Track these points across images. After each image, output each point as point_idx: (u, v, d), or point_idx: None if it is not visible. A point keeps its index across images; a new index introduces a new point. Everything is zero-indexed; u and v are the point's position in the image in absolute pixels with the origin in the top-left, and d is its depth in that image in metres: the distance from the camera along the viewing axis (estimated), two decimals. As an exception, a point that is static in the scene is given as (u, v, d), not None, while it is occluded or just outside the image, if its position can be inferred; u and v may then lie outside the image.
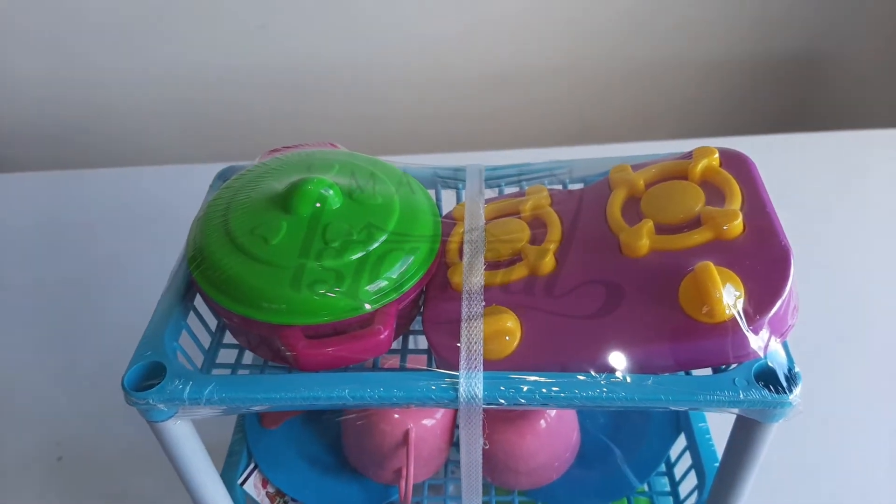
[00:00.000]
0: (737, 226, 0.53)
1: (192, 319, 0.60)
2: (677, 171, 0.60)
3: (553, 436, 0.71)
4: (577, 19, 1.55)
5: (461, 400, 0.51)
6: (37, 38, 1.49)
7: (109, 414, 1.05)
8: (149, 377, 0.52)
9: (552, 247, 0.58)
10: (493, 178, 0.69)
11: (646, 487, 0.74)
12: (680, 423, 0.74)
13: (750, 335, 0.49)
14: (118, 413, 1.04)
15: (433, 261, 0.59)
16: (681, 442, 0.74)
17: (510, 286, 0.57)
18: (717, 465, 0.68)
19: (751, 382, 0.50)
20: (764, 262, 0.51)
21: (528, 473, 0.71)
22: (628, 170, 0.62)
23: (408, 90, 1.62)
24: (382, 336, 0.53)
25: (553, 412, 0.70)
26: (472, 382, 0.51)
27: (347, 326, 0.54)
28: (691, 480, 0.71)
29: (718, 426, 0.71)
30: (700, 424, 0.72)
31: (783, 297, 0.50)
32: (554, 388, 0.50)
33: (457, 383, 0.51)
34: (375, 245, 0.56)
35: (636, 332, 0.52)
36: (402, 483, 0.70)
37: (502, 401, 0.51)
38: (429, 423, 0.70)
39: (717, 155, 0.59)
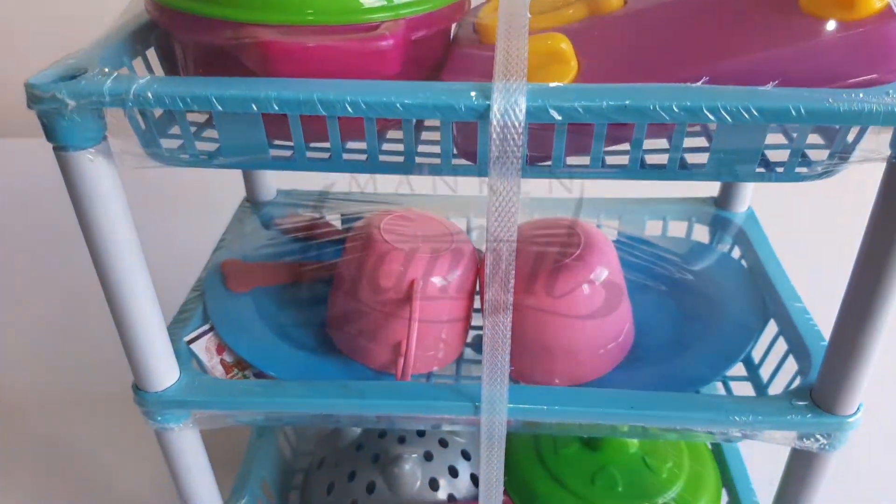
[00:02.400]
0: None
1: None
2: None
3: (598, 310, 0.54)
4: None
5: (495, 113, 0.35)
6: None
7: (54, 360, 0.90)
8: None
9: (619, -17, 0.44)
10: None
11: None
12: (767, 308, 0.56)
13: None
14: (64, 357, 0.91)
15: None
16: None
17: (564, 28, 0.43)
18: (824, 343, 0.50)
19: (915, 95, 0.34)
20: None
21: (566, 358, 0.54)
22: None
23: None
24: (386, 43, 0.38)
25: (600, 277, 0.53)
26: (511, 92, 0.36)
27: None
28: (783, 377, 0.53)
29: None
30: (796, 304, 0.55)
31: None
32: (629, 98, 0.35)
33: (489, 92, 0.36)
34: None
35: (739, 46, 0.37)
36: (401, 361, 0.53)
37: (556, 114, 0.35)
38: (439, 283, 0.54)
39: None
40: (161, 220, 1.12)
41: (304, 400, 0.48)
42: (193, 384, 0.49)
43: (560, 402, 0.47)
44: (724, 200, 0.66)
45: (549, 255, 0.54)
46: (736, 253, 0.64)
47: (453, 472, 0.64)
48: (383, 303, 0.53)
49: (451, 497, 0.63)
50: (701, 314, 0.59)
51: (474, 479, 0.64)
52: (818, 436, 0.46)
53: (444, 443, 0.66)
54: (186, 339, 0.52)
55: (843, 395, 0.45)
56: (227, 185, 0.77)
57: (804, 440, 0.46)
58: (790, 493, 0.50)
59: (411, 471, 0.62)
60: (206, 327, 0.54)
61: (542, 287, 0.53)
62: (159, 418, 0.48)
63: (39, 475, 0.76)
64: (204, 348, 0.53)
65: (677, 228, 0.68)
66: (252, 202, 0.69)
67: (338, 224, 0.68)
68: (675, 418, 0.46)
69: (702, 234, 0.67)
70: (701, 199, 0.68)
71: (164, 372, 0.48)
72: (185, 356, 0.51)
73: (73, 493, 0.74)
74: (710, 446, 0.68)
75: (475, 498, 0.55)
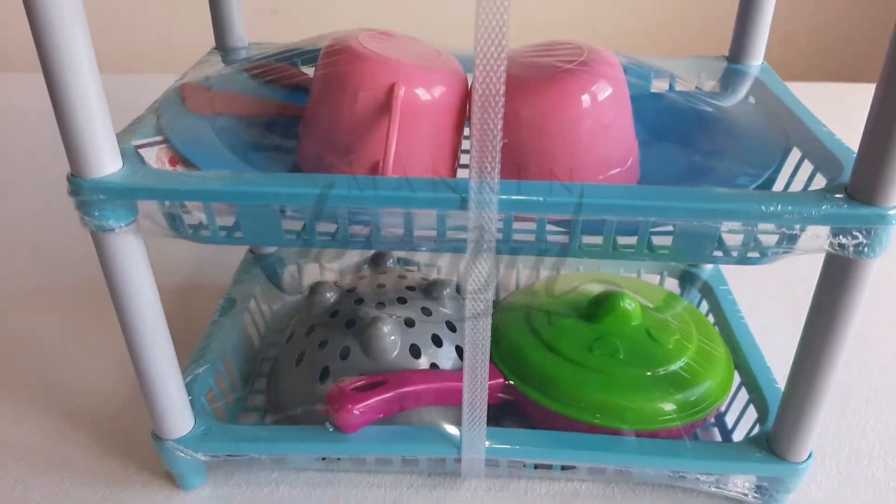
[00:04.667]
0: None
1: None
2: None
3: (600, 125, 0.48)
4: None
5: None
6: None
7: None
8: None
9: None
10: None
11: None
12: (789, 137, 0.51)
13: None
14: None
15: None
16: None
17: None
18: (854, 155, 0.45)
19: None
20: None
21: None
22: None
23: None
24: None
25: (604, 90, 0.47)
26: None
27: None
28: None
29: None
30: (822, 128, 0.49)
31: None
32: None
33: None
34: None
35: None
36: (380, 163, 0.47)
37: None
38: (423, 95, 0.48)
39: None
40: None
41: (268, 189, 0.41)
42: (138, 173, 0.42)
43: (556, 193, 0.41)
44: (736, 55, 0.61)
45: (548, 64, 0.48)
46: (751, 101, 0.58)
47: (437, 342, 0.58)
48: (360, 114, 0.47)
49: (433, 366, 0.57)
50: (718, 145, 0.53)
51: (459, 353, 0.58)
52: (856, 232, 0.40)
53: (427, 311, 0.59)
54: (135, 143, 0.46)
55: (884, 185, 0.39)
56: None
57: (840, 238, 0.40)
58: (822, 316, 0.44)
59: (390, 333, 0.55)
60: (159, 138, 0.48)
61: (540, 95, 0.47)
62: (97, 213, 0.42)
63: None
64: (155, 157, 0.46)
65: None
66: (221, 50, 0.63)
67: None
68: (692, 210, 0.40)
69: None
70: (711, 58, 0.62)
71: (105, 156, 0.41)
72: (132, 159, 0.45)
73: (22, 382, 0.67)
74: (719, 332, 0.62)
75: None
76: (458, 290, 0.67)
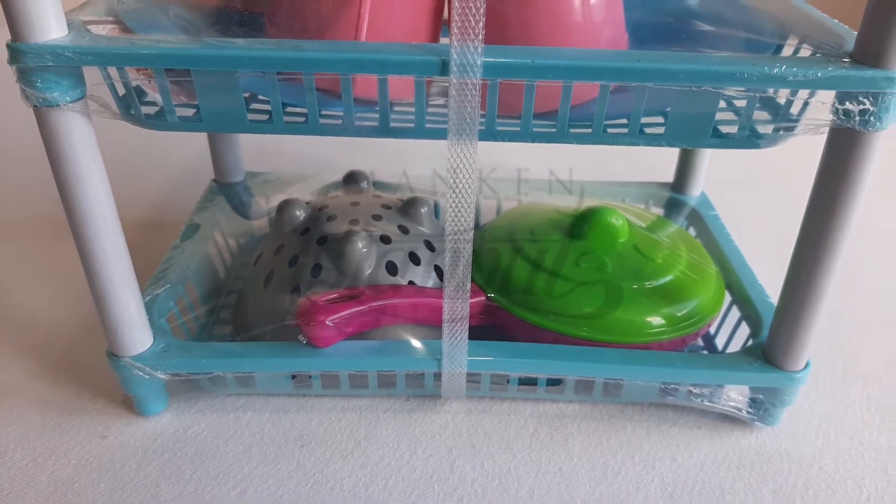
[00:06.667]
0: None
1: None
2: None
3: (588, 9, 0.45)
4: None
5: None
6: None
7: None
8: None
9: None
10: None
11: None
12: (784, 26, 0.48)
13: None
14: None
15: None
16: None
17: None
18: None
19: None
20: None
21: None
22: None
23: None
24: None
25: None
26: None
27: None
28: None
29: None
30: (817, 13, 0.47)
31: None
32: None
33: None
34: None
35: None
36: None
37: None
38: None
39: None
40: None
41: (229, 53, 0.38)
42: (84, 38, 0.38)
43: (546, 56, 0.38)
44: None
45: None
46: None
47: (415, 260, 0.54)
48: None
49: (412, 284, 0.53)
50: (711, 38, 0.50)
51: (439, 274, 0.55)
52: (862, 98, 0.37)
53: (404, 229, 0.56)
54: (84, 18, 0.42)
55: (890, 46, 0.36)
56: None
57: (846, 104, 0.38)
58: (826, 198, 0.41)
59: (364, 247, 0.52)
60: (110, 18, 0.44)
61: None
62: (40, 84, 0.38)
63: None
64: (105, 34, 0.42)
65: None
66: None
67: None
68: (692, 73, 0.37)
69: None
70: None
71: (49, 19, 0.37)
72: (79, 29, 0.41)
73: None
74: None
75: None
76: (437, 210, 0.64)
